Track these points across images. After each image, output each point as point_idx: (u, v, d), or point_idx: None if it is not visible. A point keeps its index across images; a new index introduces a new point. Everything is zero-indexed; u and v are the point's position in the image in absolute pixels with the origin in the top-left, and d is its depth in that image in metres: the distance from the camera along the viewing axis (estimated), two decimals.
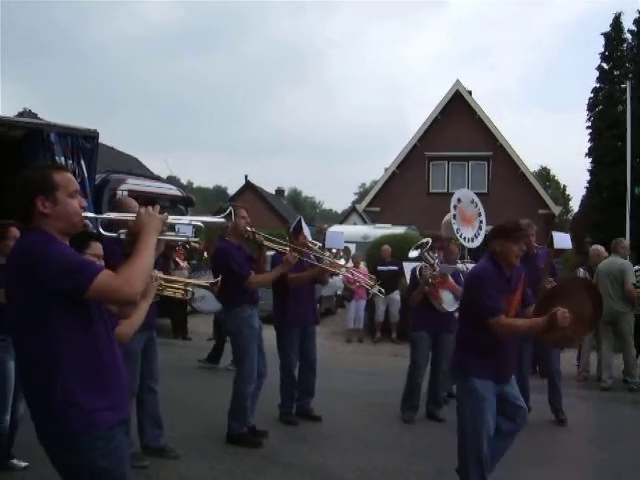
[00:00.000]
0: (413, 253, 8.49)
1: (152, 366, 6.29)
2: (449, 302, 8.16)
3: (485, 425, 5.02)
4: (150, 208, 3.10)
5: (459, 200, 10.28)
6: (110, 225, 3.63)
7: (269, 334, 7.60)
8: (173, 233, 3.39)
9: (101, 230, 3.33)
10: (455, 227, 9.83)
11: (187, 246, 6.13)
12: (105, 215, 3.48)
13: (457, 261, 9.41)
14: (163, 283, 4.83)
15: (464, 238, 9.96)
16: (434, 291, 8.10)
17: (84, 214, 3.10)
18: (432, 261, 8.18)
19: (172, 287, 5.31)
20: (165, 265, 6.07)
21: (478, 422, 5.03)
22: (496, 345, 5.06)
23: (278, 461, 6.50)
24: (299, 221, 7.70)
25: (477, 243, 10.13)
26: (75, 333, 2.90)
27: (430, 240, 8.42)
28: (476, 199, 10.56)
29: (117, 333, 3.73)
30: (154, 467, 6.01)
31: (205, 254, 6.98)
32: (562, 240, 8.17)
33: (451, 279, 8.25)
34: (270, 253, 7.58)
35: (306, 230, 7.63)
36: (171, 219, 3.25)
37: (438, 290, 8.12)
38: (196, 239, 3.51)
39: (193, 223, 3.38)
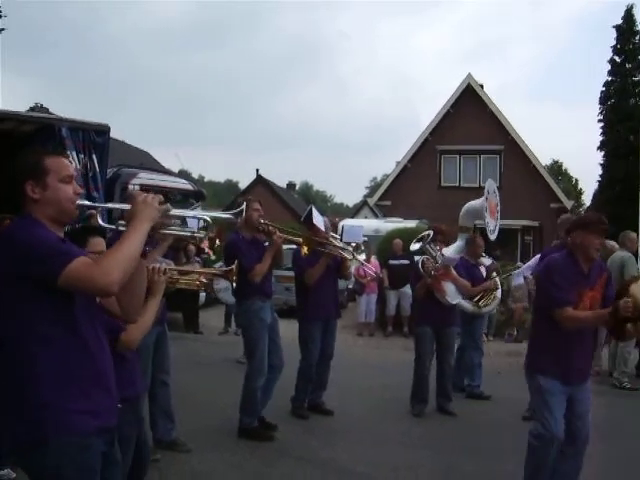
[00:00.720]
0: (415, 246, 8.47)
1: (164, 360, 6.31)
2: (452, 294, 8.16)
3: (555, 423, 4.84)
4: (150, 197, 2.91)
5: (488, 192, 10.24)
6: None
7: (288, 327, 7.61)
8: (178, 227, 3.26)
9: (100, 221, 3.21)
10: (486, 220, 9.77)
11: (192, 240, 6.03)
12: (103, 204, 3.36)
13: (482, 254, 9.44)
14: (175, 275, 4.69)
15: (489, 230, 9.92)
16: (437, 283, 8.09)
17: (79, 202, 2.97)
18: (434, 253, 8.17)
19: (186, 279, 5.11)
20: (175, 257, 6.08)
21: (546, 414, 4.88)
22: (565, 342, 4.84)
23: (289, 454, 6.52)
24: (310, 210, 7.67)
25: (495, 235, 10.09)
26: (56, 331, 2.74)
27: (431, 232, 8.40)
28: (496, 190, 10.52)
29: (124, 340, 3.64)
30: (166, 460, 6.04)
31: (217, 241, 6.97)
32: None
33: (454, 271, 8.23)
34: (290, 247, 7.60)
35: (319, 218, 7.59)
36: (176, 212, 3.11)
37: (441, 282, 8.10)
38: (201, 235, 3.38)
39: (199, 217, 3.28)
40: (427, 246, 8.18)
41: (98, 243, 3.62)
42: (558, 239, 9.26)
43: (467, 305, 8.99)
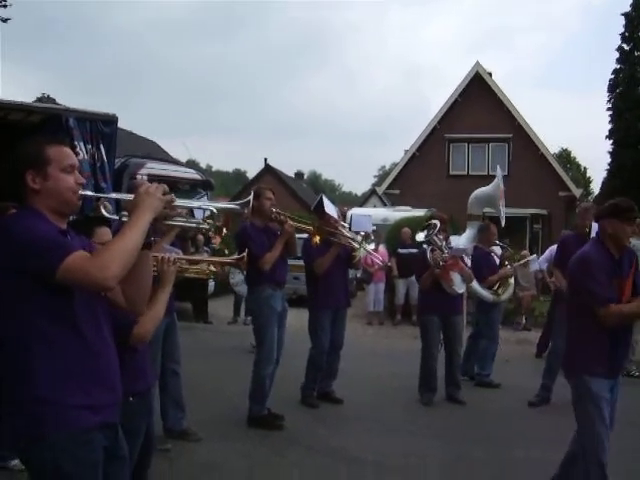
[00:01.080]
0: (420, 235, 8.46)
1: (174, 349, 6.32)
2: (459, 284, 8.20)
3: (605, 426, 4.55)
4: (153, 186, 2.81)
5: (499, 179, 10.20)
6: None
7: (297, 316, 7.61)
8: (183, 218, 3.16)
9: (103, 211, 3.14)
10: (501, 207, 9.73)
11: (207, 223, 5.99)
12: (106, 195, 3.26)
13: (496, 242, 9.45)
14: (185, 265, 4.64)
15: (501, 217, 9.89)
16: (445, 273, 8.08)
17: (82, 192, 2.87)
18: (440, 243, 8.16)
19: (196, 268, 5.09)
20: (183, 247, 6.09)
21: (597, 424, 4.54)
22: (607, 337, 4.54)
23: (298, 443, 6.53)
24: (320, 200, 7.66)
25: (504, 222, 10.05)
26: (55, 327, 2.69)
27: (438, 223, 8.39)
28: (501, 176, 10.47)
29: (137, 333, 3.58)
30: (176, 450, 6.06)
31: (225, 230, 6.92)
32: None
33: (460, 261, 8.27)
34: (302, 236, 7.61)
35: (331, 207, 7.58)
36: (180, 202, 3.00)
37: (449, 272, 8.09)
38: (206, 226, 3.21)
39: (204, 207, 3.17)
40: (434, 237, 8.16)
41: (105, 233, 3.57)
42: (575, 227, 9.22)
43: (487, 294, 9.02)
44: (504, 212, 9.65)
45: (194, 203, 3.37)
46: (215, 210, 3.14)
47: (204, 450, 6.17)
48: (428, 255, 8.08)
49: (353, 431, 7.02)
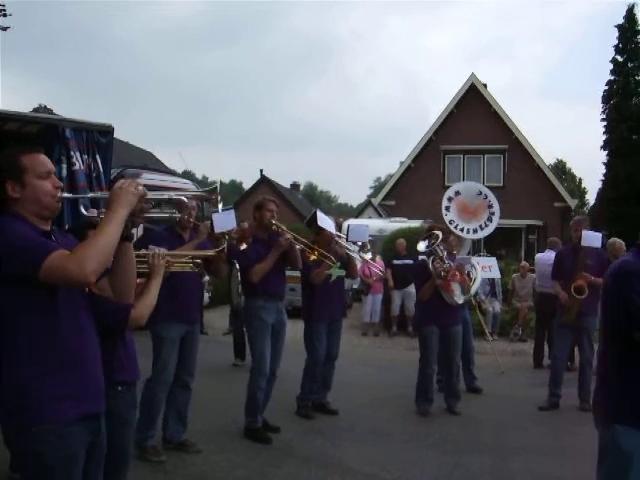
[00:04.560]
0: (421, 245, 8.46)
1: (189, 361, 6.34)
2: (459, 295, 8.20)
3: None
4: (126, 182, 2.94)
5: (457, 193, 10.28)
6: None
7: (293, 327, 7.61)
8: (157, 210, 3.32)
9: (82, 210, 3.37)
10: (447, 219, 9.84)
11: (226, 237, 6.13)
12: (85, 195, 3.43)
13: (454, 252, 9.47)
14: (170, 259, 4.85)
15: (460, 229, 9.93)
16: (447, 284, 8.08)
17: (59, 195, 3.00)
18: (442, 254, 8.15)
19: (179, 262, 5.23)
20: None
21: None
22: None
23: (294, 454, 6.51)
24: (314, 214, 7.66)
25: (483, 234, 10.06)
26: (38, 321, 2.80)
27: (440, 234, 8.39)
28: (485, 191, 10.49)
29: (134, 317, 3.69)
30: (171, 461, 6.05)
31: (244, 245, 6.99)
32: (592, 239, 8.14)
33: (465, 271, 8.26)
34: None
35: (326, 221, 7.57)
36: (152, 195, 3.12)
37: (451, 283, 8.09)
38: (179, 214, 3.48)
39: (174, 198, 3.38)
40: (435, 247, 8.15)
41: None
42: (569, 240, 9.30)
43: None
44: (471, 226, 9.78)
45: (164, 195, 3.51)
46: (185, 199, 3.32)
47: (200, 461, 6.15)
48: (430, 265, 8.07)
49: (349, 442, 6.99)
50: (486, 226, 10.45)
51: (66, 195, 3.18)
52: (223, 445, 6.63)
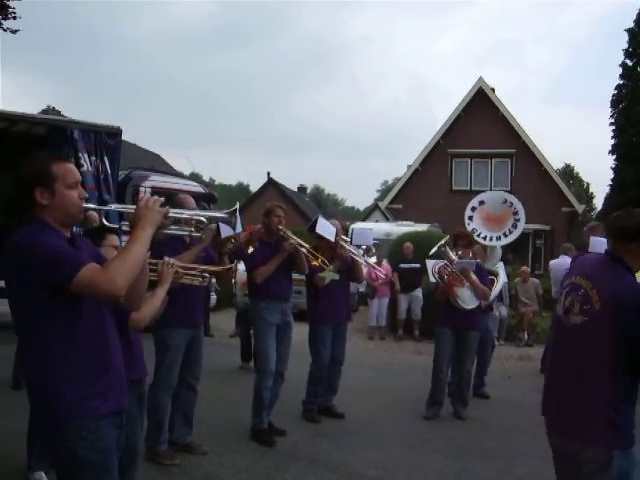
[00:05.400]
0: (435, 250, 8.46)
1: (195, 364, 6.34)
2: (466, 299, 8.08)
3: None
4: (151, 200, 3.04)
5: (481, 202, 10.29)
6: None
7: (298, 331, 7.62)
8: (177, 227, 3.39)
9: (104, 221, 3.37)
10: (470, 228, 9.85)
11: (232, 240, 6.20)
12: (105, 207, 3.50)
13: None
14: (180, 271, 5.03)
15: (483, 237, 9.93)
16: (449, 288, 8.06)
17: (85, 205, 3.10)
18: (452, 257, 8.12)
19: (189, 274, 5.39)
20: (220, 260, 6.26)
21: None
22: None
23: (300, 457, 6.51)
24: (315, 220, 7.68)
25: (507, 241, 10.05)
26: (60, 323, 2.89)
27: (448, 237, 8.38)
28: (510, 198, 10.54)
29: (135, 318, 4.02)
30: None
31: (251, 249, 7.06)
32: (599, 245, 8.12)
33: (474, 275, 8.15)
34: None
35: (327, 228, 7.57)
36: (174, 212, 3.22)
37: (452, 287, 8.06)
38: (198, 234, 3.53)
39: (195, 218, 3.39)
40: (443, 250, 8.13)
41: (114, 239, 4.07)
42: (583, 246, 9.26)
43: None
44: (494, 234, 9.79)
45: (185, 213, 3.53)
46: (205, 219, 3.40)
47: (205, 463, 6.15)
48: (435, 269, 8.08)
49: (355, 446, 6.98)
50: (510, 233, 10.50)
51: (91, 206, 3.30)
52: (229, 447, 6.63)
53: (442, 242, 8.19)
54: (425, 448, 7.01)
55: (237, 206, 3.73)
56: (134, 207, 3.06)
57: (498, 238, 10.52)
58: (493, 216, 10.50)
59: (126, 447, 3.54)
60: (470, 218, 10.55)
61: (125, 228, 3.25)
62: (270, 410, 7.05)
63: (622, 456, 3.31)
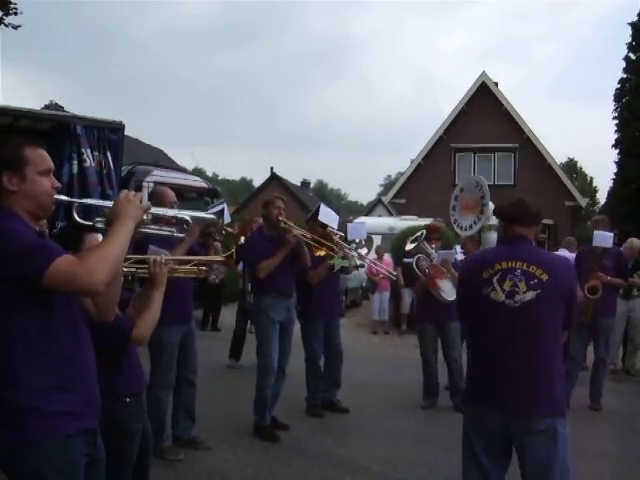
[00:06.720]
0: (409, 246, 8.46)
1: (190, 358, 6.30)
2: (448, 291, 8.08)
3: None
4: (131, 194, 2.79)
5: (461, 190, 10.20)
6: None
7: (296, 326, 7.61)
8: (156, 226, 3.13)
9: (76, 217, 2.99)
10: (453, 219, 9.80)
11: (222, 231, 6.03)
12: (80, 200, 3.09)
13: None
14: (173, 266, 4.30)
15: (460, 227, 9.88)
16: (431, 281, 8.08)
17: (57, 197, 2.82)
18: (430, 251, 8.16)
19: (185, 268, 4.79)
20: (207, 254, 6.11)
21: None
22: None
23: (304, 453, 6.50)
24: (317, 208, 7.65)
25: (477, 228, 9.93)
26: (36, 333, 2.62)
27: (424, 231, 8.41)
28: (481, 182, 10.22)
29: (135, 336, 3.56)
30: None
31: (242, 239, 7.07)
32: (602, 238, 8.11)
33: (451, 268, 8.17)
34: None
35: (330, 215, 7.55)
36: (155, 210, 3.01)
37: (435, 280, 8.06)
38: (181, 235, 3.31)
39: (179, 216, 3.17)
40: (421, 244, 8.15)
41: (94, 239, 3.36)
42: (588, 240, 9.24)
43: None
44: (470, 221, 9.67)
45: (168, 212, 3.31)
46: (189, 219, 3.18)
47: (210, 458, 6.15)
48: (414, 264, 8.10)
49: (359, 441, 6.98)
50: (479, 220, 10.05)
51: (63, 198, 2.96)
52: (233, 443, 6.63)
53: (420, 234, 8.22)
54: (430, 443, 7.00)
55: (224, 205, 3.62)
56: (110, 203, 2.84)
57: (470, 227, 10.25)
58: (470, 203, 10.33)
59: (137, 465, 3.46)
60: (454, 208, 10.41)
61: (100, 225, 2.94)
62: (272, 407, 7.04)
63: (564, 424, 3.68)
